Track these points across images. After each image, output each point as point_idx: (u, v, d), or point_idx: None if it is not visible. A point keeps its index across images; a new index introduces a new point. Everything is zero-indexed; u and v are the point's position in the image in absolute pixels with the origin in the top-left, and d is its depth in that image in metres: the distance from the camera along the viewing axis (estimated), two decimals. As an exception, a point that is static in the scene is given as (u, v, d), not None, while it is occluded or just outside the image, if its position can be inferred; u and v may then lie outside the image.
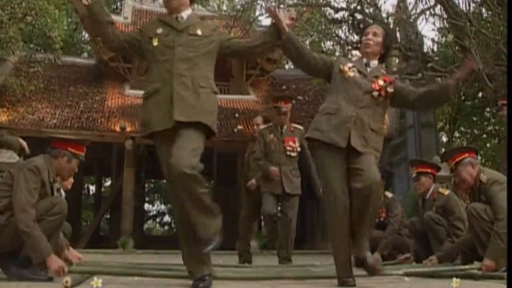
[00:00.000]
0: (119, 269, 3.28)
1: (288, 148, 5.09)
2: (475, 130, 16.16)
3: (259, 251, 11.71)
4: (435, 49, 12.16)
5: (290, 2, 10.46)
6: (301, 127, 5.39)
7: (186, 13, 2.94)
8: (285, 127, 5.21)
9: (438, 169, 4.90)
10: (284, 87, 16.18)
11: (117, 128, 12.63)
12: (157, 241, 19.21)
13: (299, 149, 5.15)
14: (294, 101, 5.43)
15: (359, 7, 9.50)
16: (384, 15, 9.76)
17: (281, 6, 10.45)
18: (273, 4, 9.95)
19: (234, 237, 15.84)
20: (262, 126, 5.59)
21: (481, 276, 3.24)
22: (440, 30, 10.15)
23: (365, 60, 3.04)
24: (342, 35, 9.99)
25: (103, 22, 2.82)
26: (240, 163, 5.84)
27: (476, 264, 3.63)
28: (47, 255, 2.82)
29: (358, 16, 9.62)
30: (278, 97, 5.60)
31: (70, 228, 5.10)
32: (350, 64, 2.99)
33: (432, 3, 9.02)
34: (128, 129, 12.68)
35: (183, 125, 2.61)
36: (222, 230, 2.67)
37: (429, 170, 4.74)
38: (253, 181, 5.41)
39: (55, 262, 2.83)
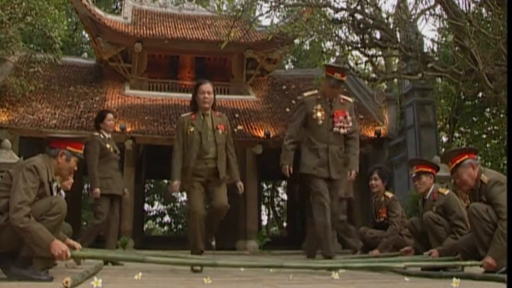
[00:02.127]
0: (122, 256, 3.34)
1: (338, 124, 4.36)
2: (475, 130, 16.16)
3: (259, 251, 11.73)
4: (435, 49, 12.17)
5: (290, 2, 10.46)
6: (351, 100, 4.70)
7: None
8: (334, 98, 4.41)
9: (438, 168, 4.90)
10: (284, 87, 16.19)
11: (117, 128, 12.63)
12: (157, 241, 19.23)
13: (350, 124, 4.40)
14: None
15: (359, 7, 9.50)
16: (384, 15, 9.76)
17: (281, 6, 10.46)
18: (273, 4, 9.95)
19: (234, 237, 15.84)
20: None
21: (481, 277, 3.24)
22: (440, 30, 10.15)
23: None
24: (342, 35, 9.99)
25: None
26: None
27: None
28: (50, 241, 2.83)
29: (358, 16, 9.62)
30: (334, 67, 4.72)
31: (70, 228, 5.11)
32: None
33: (432, 3, 9.01)
34: (128, 129, 12.69)
35: None
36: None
37: (430, 170, 4.74)
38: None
39: (58, 246, 2.85)
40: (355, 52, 11.50)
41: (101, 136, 5.52)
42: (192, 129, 4.39)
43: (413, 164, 4.94)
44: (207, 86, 4.49)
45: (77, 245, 3.30)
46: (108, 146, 5.47)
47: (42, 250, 2.84)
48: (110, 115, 5.70)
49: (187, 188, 4.41)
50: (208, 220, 4.37)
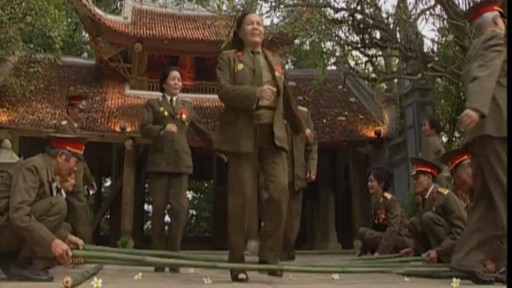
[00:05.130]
0: (122, 255, 3.33)
1: None
2: (475, 130, 16.14)
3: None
4: (435, 49, 12.17)
5: (290, 2, 10.46)
6: None
7: None
8: None
9: (439, 170, 4.90)
10: (284, 87, 16.16)
11: (117, 128, 12.65)
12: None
13: None
14: None
15: (359, 7, 9.50)
16: (384, 15, 9.76)
17: (281, 6, 10.46)
18: (273, 4, 9.95)
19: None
20: None
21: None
22: (440, 30, 10.15)
23: None
24: (342, 35, 9.99)
25: None
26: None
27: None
28: (51, 241, 2.83)
29: (358, 16, 9.62)
30: None
31: (70, 228, 5.10)
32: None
33: (432, 3, 9.02)
34: (128, 129, 12.69)
35: None
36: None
37: (429, 170, 4.74)
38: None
39: (59, 246, 2.85)
40: (355, 52, 11.51)
41: (160, 99, 4.44)
42: (241, 66, 3.19)
43: (413, 163, 4.96)
44: (255, 16, 3.34)
45: (79, 241, 3.30)
46: (162, 109, 4.30)
47: (43, 250, 2.84)
48: (174, 73, 4.45)
49: (230, 158, 3.08)
50: (265, 222, 3.11)
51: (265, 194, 3.01)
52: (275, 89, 2.97)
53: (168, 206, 4.37)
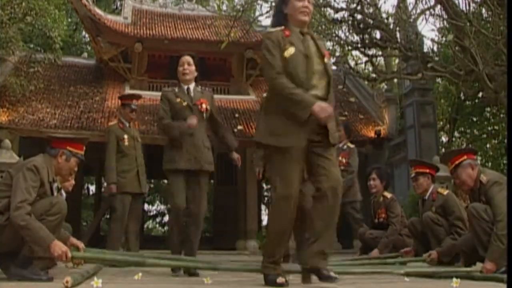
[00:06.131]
0: (121, 257, 3.31)
1: None
2: (475, 130, 16.17)
3: (259, 251, 11.72)
4: (435, 49, 12.18)
5: (290, 2, 10.45)
6: None
7: None
8: None
9: (437, 169, 4.91)
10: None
11: (117, 128, 12.64)
12: (157, 241, 19.23)
13: None
14: None
15: (359, 7, 9.50)
16: (384, 15, 9.76)
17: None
18: (273, 4, 9.95)
19: (234, 236, 15.78)
20: None
21: (481, 277, 3.24)
22: (440, 30, 10.16)
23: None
24: (342, 35, 10.00)
25: None
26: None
27: (478, 265, 3.64)
28: (50, 241, 2.82)
29: (358, 16, 9.62)
30: None
31: (70, 228, 5.10)
32: None
33: (432, 3, 9.02)
34: (128, 129, 12.68)
35: None
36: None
37: (428, 171, 4.75)
38: None
39: (58, 247, 2.83)
40: (355, 52, 11.52)
41: (175, 89, 3.98)
42: (292, 50, 2.72)
43: (412, 165, 4.98)
44: None
45: (81, 244, 3.30)
46: (178, 100, 3.86)
47: (42, 250, 2.83)
48: (182, 59, 3.98)
49: (275, 154, 2.69)
50: (314, 223, 2.69)
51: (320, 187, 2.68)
52: (331, 110, 2.61)
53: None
